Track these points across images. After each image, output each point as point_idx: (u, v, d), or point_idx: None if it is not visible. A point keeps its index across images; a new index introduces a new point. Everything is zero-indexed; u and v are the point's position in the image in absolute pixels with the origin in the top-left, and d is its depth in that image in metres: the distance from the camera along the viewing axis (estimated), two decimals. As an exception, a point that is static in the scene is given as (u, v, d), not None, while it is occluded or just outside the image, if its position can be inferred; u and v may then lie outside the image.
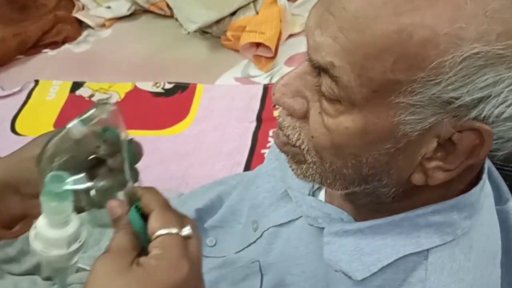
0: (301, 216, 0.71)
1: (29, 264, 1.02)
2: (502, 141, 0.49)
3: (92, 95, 1.79)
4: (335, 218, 0.64)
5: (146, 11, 2.14)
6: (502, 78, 0.44)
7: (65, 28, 2.03)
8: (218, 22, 1.91)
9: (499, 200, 0.66)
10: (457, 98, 0.45)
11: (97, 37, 2.07)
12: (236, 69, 1.84)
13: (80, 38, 2.06)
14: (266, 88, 1.74)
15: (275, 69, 1.81)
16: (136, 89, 1.80)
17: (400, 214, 0.58)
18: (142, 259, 0.48)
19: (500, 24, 0.43)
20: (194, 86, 1.78)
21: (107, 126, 0.56)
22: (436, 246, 0.56)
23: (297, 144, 0.57)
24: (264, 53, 1.80)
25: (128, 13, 2.12)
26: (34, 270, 1.02)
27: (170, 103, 1.74)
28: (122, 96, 1.78)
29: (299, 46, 1.84)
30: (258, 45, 1.81)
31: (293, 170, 0.61)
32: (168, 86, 1.79)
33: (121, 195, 0.55)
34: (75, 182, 0.52)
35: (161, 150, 1.58)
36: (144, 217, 0.51)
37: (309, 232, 0.68)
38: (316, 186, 0.71)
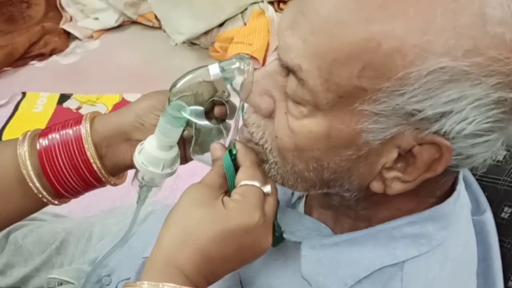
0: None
1: (15, 277, 1.01)
2: (461, 157, 0.49)
3: (79, 107, 1.79)
4: (314, 231, 0.64)
5: (134, 23, 2.15)
6: (466, 95, 0.44)
7: (52, 39, 2.04)
8: (206, 33, 1.91)
9: (477, 210, 0.66)
10: (420, 111, 0.45)
11: (84, 48, 2.07)
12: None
13: (68, 49, 2.06)
14: (253, 98, 1.73)
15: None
16: (123, 101, 1.80)
17: (375, 226, 0.58)
18: (225, 198, 0.55)
19: (469, 41, 0.43)
20: (182, 98, 1.77)
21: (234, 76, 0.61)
22: (412, 258, 0.56)
23: (260, 142, 0.57)
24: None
25: (116, 24, 2.13)
26: (21, 283, 1.02)
27: (158, 114, 1.73)
28: (110, 108, 1.77)
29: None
30: (245, 56, 1.81)
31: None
32: (155, 97, 1.79)
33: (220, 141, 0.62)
34: (193, 114, 0.59)
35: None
36: (235, 166, 0.58)
37: (288, 243, 0.68)
38: (296, 197, 0.71)
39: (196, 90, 0.61)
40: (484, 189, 0.69)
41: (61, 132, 0.65)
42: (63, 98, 1.83)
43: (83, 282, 0.88)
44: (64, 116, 1.74)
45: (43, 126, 1.67)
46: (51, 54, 2.03)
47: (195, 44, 1.96)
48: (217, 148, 0.60)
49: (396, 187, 0.51)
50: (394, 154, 0.50)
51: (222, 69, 0.58)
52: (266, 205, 0.56)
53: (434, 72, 0.43)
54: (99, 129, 0.65)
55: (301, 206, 0.70)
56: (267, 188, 0.56)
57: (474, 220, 0.65)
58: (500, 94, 0.44)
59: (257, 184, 0.56)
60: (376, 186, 0.53)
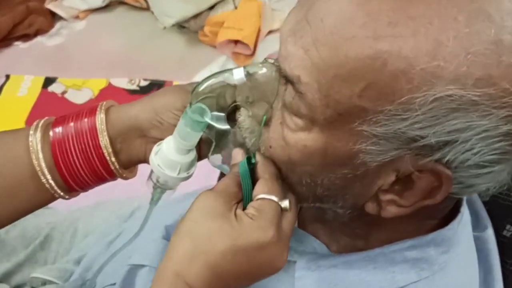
0: None
1: (-5, 273, 0.98)
2: (461, 186, 0.47)
3: (65, 92, 1.74)
4: (308, 246, 0.61)
5: (121, 3, 2.09)
6: (473, 126, 0.41)
7: (37, 19, 1.97)
8: (195, 16, 1.86)
9: (477, 226, 0.64)
10: (422, 137, 0.43)
11: (70, 29, 2.01)
12: (214, 66, 1.80)
13: (53, 30, 2.01)
14: (244, 87, 1.70)
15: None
16: (110, 86, 1.75)
17: (375, 250, 0.56)
18: (239, 212, 0.52)
19: (481, 69, 0.40)
20: (170, 84, 1.74)
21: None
22: (411, 283, 0.54)
23: (253, 149, 0.55)
24: (242, 50, 1.77)
25: (103, 4, 2.07)
26: (3, 279, 0.99)
27: (145, 101, 1.69)
28: (96, 93, 1.73)
29: (279, 43, 1.81)
30: (236, 41, 1.77)
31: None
32: (143, 83, 1.75)
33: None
34: (214, 118, 0.56)
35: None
36: (252, 176, 0.54)
37: None
38: None
39: (218, 93, 0.57)
40: (484, 203, 0.67)
41: (74, 124, 0.61)
42: (48, 81, 1.78)
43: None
44: (49, 101, 1.70)
45: (27, 111, 1.66)
46: (35, 35, 1.97)
47: (184, 27, 1.91)
48: (239, 154, 0.56)
49: (391, 210, 0.49)
50: (391, 177, 0.47)
51: (247, 74, 0.54)
52: (283, 221, 0.53)
53: (441, 99, 0.40)
54: (115, 122, 0.61)
55: None
56: (285, 203, 0.53)
57: (474, 236, 0.62)
58: (510, 127, 0.41)
59: (275, 198, 0.52)
60: (371, 208, 0.51)
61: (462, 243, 0.58)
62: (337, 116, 0.45)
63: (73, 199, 1.49)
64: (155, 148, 0.61)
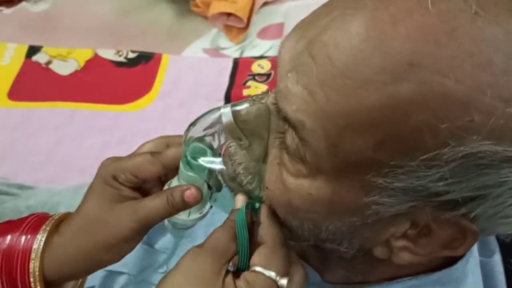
0: None
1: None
2: (484, 233, 0.41)
3: (49, 62, 1.67)
4: None
5: (110, -32, 1.99)
6: (508, 181, 0.36)
7: (22, -16, 1.88)
8: (187, -15, 1.78)
9: (484, 251, 0.59)
10: (447, 192, 0.37)
11: (56, -5, 1.92)
12: (205, 39, 1.73)
13: (38, -5, 1.91)
14: (236, 63, 1.63)
15: (246, 41, 1.70)
16: (96, 57, 1.67)
17: (374, 286, 0.51)
18: (228, 280, 0.45)
19: None
20: (159, 57, 1.66)
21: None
22: None
23: (248, 188, 0.49)
24: (235, 23, 1.69)
25: (91, -30, 1.97)
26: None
27: (133, 74, 1.62)
28: (82, 64, 1.65)
29: (274, 16, 1.74)
30: (229, 14, 1.69)
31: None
32: (131, 55, 1.67)
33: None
34: (211, 162, 0.52)
35: (121, 127, 1.48)
36: (250, 230, 0.48)
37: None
38: None
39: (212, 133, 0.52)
40: None
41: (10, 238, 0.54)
42: (32, 50, 1.70)
43: None
44: (33, 72, 1.63)
45: (10, 81, 1.60)
46: (20, 0, 1.88)
47: (175, -4, 1.83)
48: (241, 200, 0.51)
49: (404, 257, 0.44)
50: (406, 225, 0.42)
51: (235, 113, 0.49)
52: None
53: (472, 155, 0.35)
54: (56, 262, 0.54)
55: None
56: (283, 281, 0.46)
57: (481, 262, 0.58)
58: None
59: (273, 275, 0.46)
60: (380, 253, 0.45)
61: (469, 278, 0.53)
62: (347, 165, 0.39)
63: (54, 175, 1.44)
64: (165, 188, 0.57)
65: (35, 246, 0.53)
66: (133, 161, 0.54)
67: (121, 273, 0.76)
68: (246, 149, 0.49)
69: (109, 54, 1.68)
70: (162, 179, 0.57)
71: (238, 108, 0.48)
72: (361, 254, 0.48)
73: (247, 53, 1.66)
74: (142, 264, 0.75)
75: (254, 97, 0.49)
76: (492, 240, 0.61)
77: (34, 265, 0.52)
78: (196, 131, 0.51)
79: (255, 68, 1.61)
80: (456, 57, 0.34)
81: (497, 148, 0.34)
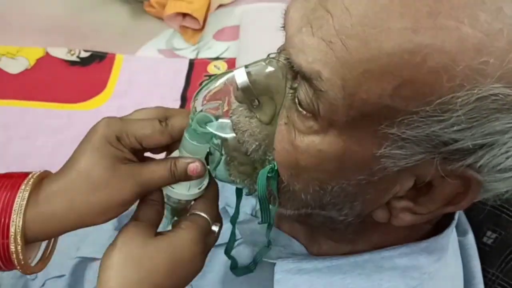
0: (240, 238, 0.64)
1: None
2: (481, 190, 0.43)
3: (-4, 60, 1.61)
4: (286, 249, 0.57)
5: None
6: None
7: (-34, -21, 1.81)
8: (141, -15, 1.76)
9: (457, 230, 0.61)
10: (456, 141, 0.38)
11: (5, -9, 1.86)
12: (160, 40, 1.71)
13: (-15, -8, 1.84)
14: (192, 64, 1.62)
15: (202, 42, 1.69)
16: (48, 56, 1.63)
17: (363, 255, 0.52)
18: (166, 232, 0.53)
19: None
20: (113, 56, 1.64)
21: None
22: None
23: (253, 156, 0.49)
24: (191, 25, 1.68)
25: (40, -33, 1.92)
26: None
27: (86, 73, 1.59)
28: (32, 63, 1.61)
29: (229, 18, 1.74)
30: (184, 15, 1.68)
31: (232, 179, 0.53)
32: (84, 54, 1.64)
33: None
34: (220, 128, 0.51)
35: (75, 126, 1.44)
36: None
37: (251, 257, 0.61)
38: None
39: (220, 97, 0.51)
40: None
41: None
42: (-21, 48, 1.64)
43: None
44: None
45: None
46: (-36, -5, 1.81)
47: (128, -4, 1.80)
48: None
49: (405, 218, 0.45)
50: (410, 183, 0.43)
51: (250, 74, 0.48)
52: (209, 239, 0.55)
53: (484, 99, 0.36)
54: (40, 220, 0.50)
55: None
56: (215, 226, 0.56)
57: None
58: None
59: (208, 219, 0.54)
60: (381, 215, 0.46)
61: (450, 250, 0.55)
62: (361, 117, 0.40)
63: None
64: None
65: (16, 203, 0.49)
66: (141, 127, 0.52)
67: (94, 259, 0.74)
68: (257, 111, 0.48)
69: (61, 53, 1.64)
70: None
71: (252, 68, 0.48)
72: (358, 221, 0.49)
73: (203, 54, 1.65)
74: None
75: (269, 56, 0.48)
76: (464, 220, 0.63)
77: (15, 223, 0.49)
78: (201, 101, 0.50)
79: (211, 69, 1.61)
80: (470, 5, 0.35)
81: (507, 91, 0.36)
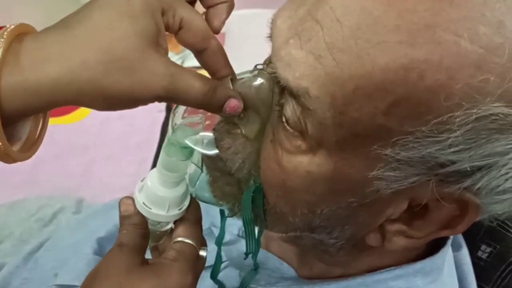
0: (227, 261, 0.61)
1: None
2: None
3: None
4: (274, 272, 0.54)
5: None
6: None
7: None
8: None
9: (451, 246, 0.59)
10: (454, 162, 0.36)
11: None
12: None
13: None
14: (176, 73, 1.60)
15: (186, 51, 1.66)
16: None
17: (356, 279, 0.50)
18: (152, 260, 0.49)
19: None
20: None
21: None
22: None
23: (237, 175, 0.46)
24: (175, 33, 1.66)
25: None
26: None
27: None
28: None
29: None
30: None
31: (216, 200, 0.51)
32: None
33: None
34: (200, 142, 0.48)
35: (56, 141, 1.40)
36: None
37: (238, 281, 0.58)
38: None
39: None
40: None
41: None
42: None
43: None
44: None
45: None
46: None
47: None
48: (128, 203, 0.50)
49: (399, 242, 0.43)
50: (404, 206, 0.41)
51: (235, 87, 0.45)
52: (197, 267, 0.50)
53: (484, 119, 0.34)
54: (19, 92, 0.38)
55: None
56: (202, 251, 0.51)
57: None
58: None
59: (194, 244, 0.49)
60: (373, 239, 0.44)
61: (445, 270, 0.53)
62: (352, 137, 0.37)
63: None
64: (139, 184, 0.52)
65: None
66: (191, 11, 0.44)
67: (73, 286, 0.71)
68: (241, 124, 0.45)
69: None
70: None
71: (237, 80, 0.45)
72: (349, 245, 0.46)
73: (188, 63, 1.63)
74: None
75: (256, 68, 0.46)
76: (459, 235, 0.61)
77: None
78: (181, 114, 0.48)
79: (197, 78, 1.59)
80: (469, 18, 0.33)
81: (507, 110, 0.34)
